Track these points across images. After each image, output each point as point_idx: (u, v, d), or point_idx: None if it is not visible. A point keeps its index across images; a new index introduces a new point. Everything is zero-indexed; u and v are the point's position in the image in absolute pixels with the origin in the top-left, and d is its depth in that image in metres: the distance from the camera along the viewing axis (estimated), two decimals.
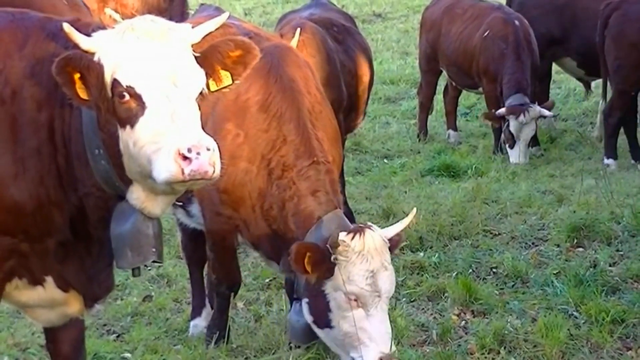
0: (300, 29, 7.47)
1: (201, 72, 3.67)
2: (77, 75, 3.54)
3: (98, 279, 4.01)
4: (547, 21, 10.87)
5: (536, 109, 10.13)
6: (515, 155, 10.17)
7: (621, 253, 7.08)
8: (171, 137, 3.44)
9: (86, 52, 3.56)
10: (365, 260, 4.75)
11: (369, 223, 4.97)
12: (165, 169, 3.41)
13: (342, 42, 8.23)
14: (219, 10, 6.30)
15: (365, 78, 8.49)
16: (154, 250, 3.77)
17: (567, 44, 10.97)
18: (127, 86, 3.50)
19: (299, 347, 5.35)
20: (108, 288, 4.12)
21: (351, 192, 8.72)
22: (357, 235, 4.76)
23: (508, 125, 10.10)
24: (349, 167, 9.55)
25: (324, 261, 4.75)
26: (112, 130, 3.58)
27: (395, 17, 19.05)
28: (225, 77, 3.80)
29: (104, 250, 3.89)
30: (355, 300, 4.77)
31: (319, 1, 9.15)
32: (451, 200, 8.37)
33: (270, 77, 5.16)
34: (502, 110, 10.09)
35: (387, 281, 4.83)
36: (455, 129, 11.49)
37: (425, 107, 11.55)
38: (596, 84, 12.73)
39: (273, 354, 5.42)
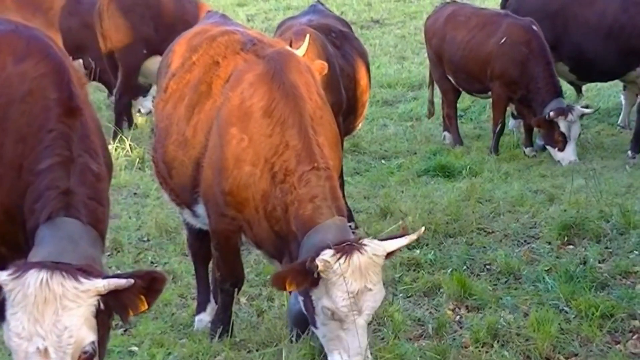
0: (302, 35, 7.48)
1: (88, 334, 3.59)
2: None
3: None
4: (540, 27, 10.86)
5: (579, 107, 10.33)
6: (567, 155, 10.21)
7: (610, 250, 7.09)
8: None
9: None
10: (347, 283, 4.60)
11: (366, 240, 4.77)
12: None
13: (340, 47, 8.23)
14: (224, 18, 6.30)
15: (363, 82, 8.49)
16: None
17: (559, 49, 10.98)
18: (9, 350, 3.54)
19: (299, 341, 5.35)
20: None
21: (350, 191, 8.72)
22: (343, 257, 4.61)
23: (558, 128, 10.15)
24: (347, 168, 9.56)
25: (306, 278, 4.65)
26: None
27: (393, 23, 19.07)
28: (142, 303, 3.75)
29: None
30: (332, 314, 4.67)
31: (316, 7, 9.14)
32: (446, 199, 8.38)
33: (273, 83, 5.12)
34: (551, 113, 10.14)
35: (369, 300, 4.68)
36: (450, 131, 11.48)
37: (452, 117, 11.40)
38: (587, 87, 12.77)
39: (275, 347, 5.42)
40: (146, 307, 3.77)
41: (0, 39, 3.88)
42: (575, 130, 10.25)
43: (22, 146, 3.76)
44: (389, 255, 4.81)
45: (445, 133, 11.42)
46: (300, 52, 7.00)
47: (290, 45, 6.63)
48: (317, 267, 4.58)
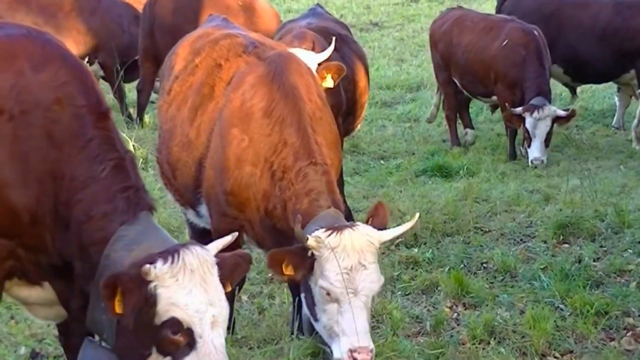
0: (302, 37, 7.50)
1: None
2: (119, 292, 3.57)
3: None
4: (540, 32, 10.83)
5: (551, 108, 10.14)
6: (531, 151, 10.10)
7: (604, 249, 7.10)
8: None
9: (145, 278, 3.60)
10: (339, 257, 4.56)
11: (358, 222, 4.78)
12: None
13: (339, 49, 8.22)
14: (226, 21, 6.31)
15: (362, 84, 8.49)
16: None
17: (554, 51, 10.97)
18: (187, 328, 3.59)
19: (300, 338, 5.36)
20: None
21: (349, 191, 8.73)
22: (334, 233, 4.59)
23: (524, 124, 10.07)
24: (347, 168, 9.56)
25: (303, 260, 4.64)
26: (141, 351, 3.67)
27: (391, 26, 19.07)
28: (227, 285, 3.86)
29: (81, 297, 3.93)
30: (328, 294, 4.61)
31: (315, 11, 9.14)
32: (444, 199, 8.38)
33: (273, 84, 5.12)
34: (519, 109, 10.09)
35: (365, 280, 4.60)
36: (471, 127, 11.35)
37: (452, 120, 11.35)
38: (582, 89, 12.78)
39: (275, 344, 5.43)
40: (228, 289, 3.85)
41: (14, 44, 3.83)
42: (541, 129, 10.04)
43: (57, 153, 3.74)
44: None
45: (467, 130, 11.28)
46: (324, 55, 7.07)
47: (314, 50, 6.69)
48: (306, 240, 4.54)
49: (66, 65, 3.83)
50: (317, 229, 4.65)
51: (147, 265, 3.56)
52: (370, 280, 4.63)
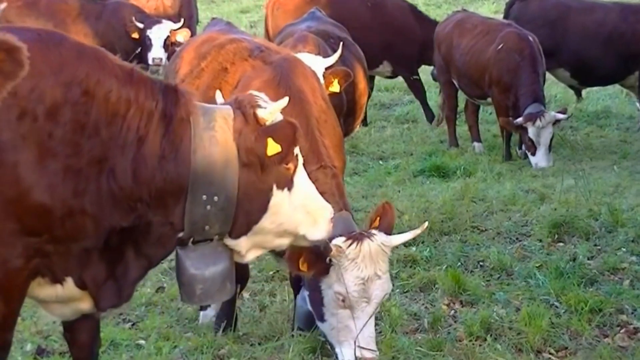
0: (304, 40, 7.52)
1: None
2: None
3: (121, 288, 3.95)
4: (540, 34, 10.80)
5: (551, 113, 10.08)
6: (538, 160, 10.07)
7: (599, 247, 7.11)
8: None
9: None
10: (358, 268, 4.67)
11: (373, 231, 4.83)
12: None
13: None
14: (229, 25, 6.32)
15: (361, 85, 8.51)
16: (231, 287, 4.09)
17: (559, 55, 10.99)
18: (296, 155, 3.97)
19: (300, 335, 5.37)
20: (127, 298, 4.06)
21: (349, 191, 8.73)
22: (354, 243, 4.68)
23: (527, 133, 10.05)
24: (347, 168, 9.50)
25: (319, 261, 4.69)
26: (266, 198, 3.92)
27: None
28: None
29: (138, 264, 3.93)
30: (343, 300, 4.71)
31: (314, 14, 9.16)
32: (441, 198, 8.39)
33: (280, 88, 5.11)
34: (519, 119, 10.02)
35: (378, 289, 4.74)
36: (479, 140, 11.28)
37: (451, 120, 11.37)
38: (586, 92, 12.81)
39: (276, 341, 5.44)
40: None
41: (28, 48, 3.80)
42: (545, 137, 10.02)
43: (93, 140, 3.67)
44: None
45: (475, 143, 11.21)
46: (332, 59, 7.09)
47: (319, 54, 6.71)
48: (331, 250, 4.62)
49: (83, 61, 3.78)
50: (337, 237, 4.69)
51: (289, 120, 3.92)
52: (382, 289, 4.78)
